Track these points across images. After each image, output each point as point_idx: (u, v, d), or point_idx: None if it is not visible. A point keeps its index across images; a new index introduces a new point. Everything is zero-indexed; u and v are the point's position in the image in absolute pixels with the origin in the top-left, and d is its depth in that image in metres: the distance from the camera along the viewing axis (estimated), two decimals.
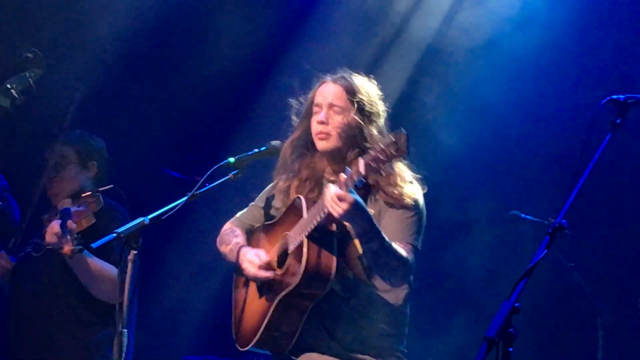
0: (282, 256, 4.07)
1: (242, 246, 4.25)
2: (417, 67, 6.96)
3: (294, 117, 4.31)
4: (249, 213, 4.44)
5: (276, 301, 3.97)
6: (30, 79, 5.17)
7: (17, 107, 5.12)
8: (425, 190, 4.07)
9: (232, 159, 4.16)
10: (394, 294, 4.06)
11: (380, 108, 4.15)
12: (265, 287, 4.11)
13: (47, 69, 5.11)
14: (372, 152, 3.64)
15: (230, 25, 7.08)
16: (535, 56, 6.75)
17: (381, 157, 3.60)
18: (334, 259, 3.89)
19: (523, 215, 6.24)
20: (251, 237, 4.36)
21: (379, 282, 3.99)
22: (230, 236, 4.35)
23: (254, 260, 4.08)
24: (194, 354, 6.69)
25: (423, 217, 4.08)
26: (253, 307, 4.19)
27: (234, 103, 7.34)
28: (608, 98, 3.46)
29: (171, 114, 7.15)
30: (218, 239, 4.43)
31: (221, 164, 4.13)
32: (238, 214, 4.47)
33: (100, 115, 6.56)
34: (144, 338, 5.55)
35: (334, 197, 3.71)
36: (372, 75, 4.25)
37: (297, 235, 3.96)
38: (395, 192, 4.00)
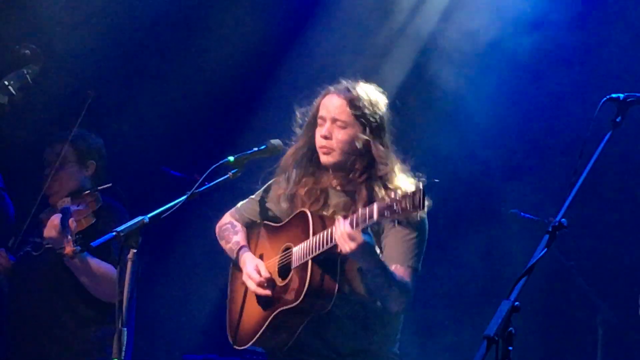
0: (284, 269, 4.09)
1: (242, 247, 4.26)
2: (416, 65, 6.96)
3: (297, 129, 4.29)
4: (249, 207, 4.42)
5: (275, 313, 4.00)
6: (28, 76, 5.17)
7: (16, 104, 5.12)
8: (430, 207, 3.97)
9: (231, 158, 4.15)
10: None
11: (386, 119, 4.11)
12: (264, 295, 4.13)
13: (45, 66, 5.11)
14: (387, 201, 3.61)
15: (231, 23, 7.09)
16: (536, 55, 6.75)
17: (395, 208, 3.57)
18: (337, 281, 3.91)
19: (522, 213, 6.24)
20: (251, 232, 4.36)
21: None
22: (231, 232, 4.36)
23: (254, 276, 4.08)
24: (194, 353, 6.70)
25: (426, 236, 4.07)
26: (251, 309, 4.20)
27: (234, 102, 7.33)
28: (608, 97, 3.46)
29: (170, 113, 7.15)
30: (217, 231, 4.44)
31: (221, 162, 4.11)
32: (239, 205, 4.46)
33: (99, 114, 6.55)
34: (144, 337, 5.55)
35: (344, 235, 3.72)
36: (375, 83, 4.23)
37: (302, 253, 3.96)
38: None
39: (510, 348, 2.82)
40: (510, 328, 2.83)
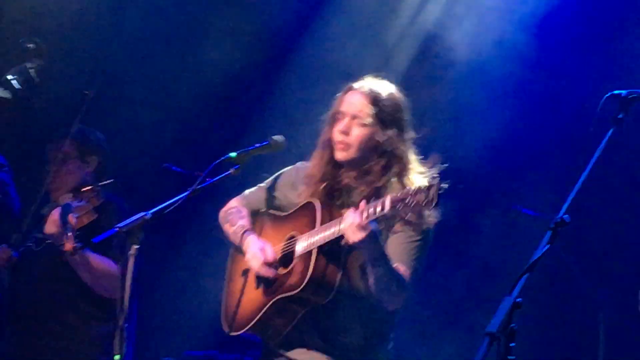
0: (286, 255, 4.08)
1: (247, 230, 4.25)
2: (419, 62, 6.96)
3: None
4: (257, 195, 4.41)
5: (274, 300, 4.00)
6: (31, 70, 5.16)
7: (20, 98, 5.11)
8: (439, 219, 4.00)
9: (233, 154, 4.14)
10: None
11: (406, 118, 4.11)
12: (264, 280, 4.12)
13: (49, 61, 5.10)
14: (401, 194, 3.63)
15: (234, 19, 7.09)
16: (539, 51, 6.75)
17: (408, 201, 3.59)
18: (339, 273, 3.92)
19: (524, 210, 6.24)
20: (255, 220, 4.36)
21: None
22: (236, 216, 4.35)
23: (258, 255, 4.08)
24: (195, 349, 6.70)
25: (429, 244, 4.07)
26: (249, 295, 4.20)
27: (237, 98, 7.33)
28: (610, 93, 3.46)
29: (172, 109, 7.15)
30: (222, 215, 4.42)
31: (222, 158, 4.10)
32: (246, 192, 4.46)
33: (100, 109, 6.55)
34: (146, 333, 5.55)
35: (354, 226, 3.73)
36: (400, 85, 4.22)
37: (306, 242, 3.97)
38: (417, 215, 3.94)
39: (513, 344, 2.83)
40: (513, 324, 2.83)
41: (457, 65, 6.85)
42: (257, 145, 4.23)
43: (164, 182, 6.27)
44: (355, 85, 4.15)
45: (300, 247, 4.00)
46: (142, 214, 3.82)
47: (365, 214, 3.74)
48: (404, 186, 3.93)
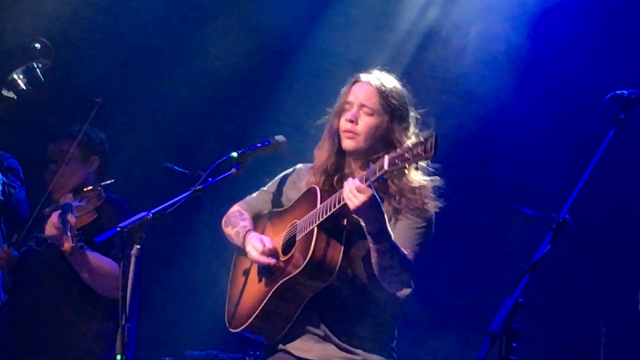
0: (288, 243, 4.08)
1: (249, 230, 4.24)
2: (417, 56, 6.97)
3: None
4: (259, 198, 4.43)
5: (275, 287, 3.98)
6: (38, 70, 5.16)
7: (26, 98, 5.11)
8: (442, 206, 4.04)
9: (235, 154, 4.14)
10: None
11: (411, 112, 4.12)
12: (266, 272, 4.12)
13: (55, 61, 5.11)
14: (399, 150, 3.63)
15: (237, 19, 7.09)
16: (541, 51, 6.75)
17: (407, 155, 3.58)
18: (341, 253, 3.90)
19: (526, 210, 6.24)
20: (257, 222, 4.35)
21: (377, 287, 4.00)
22: (238, 219, 4.34)
23: (257, 245, 4.08)
24: (197, 349, 6.70)
25: (431, 234, 4.07)
26: (251, 290, 4.20)
27: (238, 98, 7.34)
28: (612, 94, 3.46)
29: (174, 109, 7.16)
30: (224, 220, 4.41)
31: (224, 158, 4.11)
32: (247, 198, 4.46)
33: (103, 109, 6.56)
34: (148, 332, 5.55)
35: (353, 189, 3.72)
36: (404, 81, 4.24)
37: (307, 223, 3.96)
38: (418, 201, 3.99)
39: (514, 344, 2.83)
40: (514, 324, 2.83)
41: (461, 66, 6.85)
42: (259, 145, 4.23)
43: (166, 182, 6.28)
44: (363, 77, 4.17)
45: (301, 228, 4.00)
46: (143, 213, 3.83)
47: (364, 178, 3.74)
48: (409, 185, 3.98)
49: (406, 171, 3.91)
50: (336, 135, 4.14)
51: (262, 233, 4.25)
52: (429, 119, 4.10)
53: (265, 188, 4.43)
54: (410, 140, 3.67)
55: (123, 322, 3.73)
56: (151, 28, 7.02)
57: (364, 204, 3.71)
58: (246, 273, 4.29)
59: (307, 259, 3.86)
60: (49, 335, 4.92)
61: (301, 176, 4.30)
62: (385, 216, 3.84)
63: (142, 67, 7.10)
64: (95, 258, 4.79)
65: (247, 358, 6.43)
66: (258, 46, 7.18)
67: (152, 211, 3.84)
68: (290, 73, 7.09)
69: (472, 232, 7.06)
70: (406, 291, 4.10)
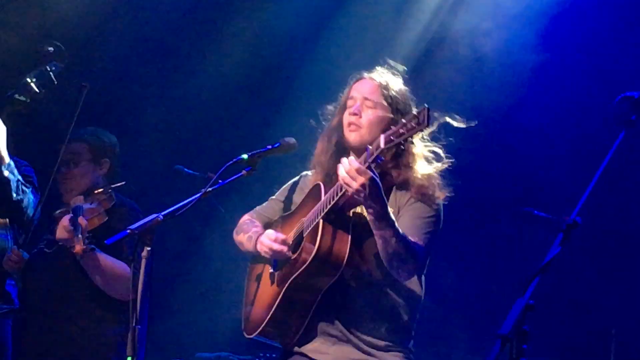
0: (297, 241, 4.08)
1: (261, 234, 4.24)
2: (426, 57, 6.97)
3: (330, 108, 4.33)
4: (268, 207, 4.46)
5: (286, 286, 3.98)
6: (51, 73, 5.18)
7: (38, 101, 5.13)
8: (450, 193, 4.06)
9: (245, 156, 4.14)
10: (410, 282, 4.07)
11: (414, 109, 4.12)
12: (277, 274, 4.13)
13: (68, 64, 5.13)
14: (393, 128, 3.63)
15: (245, 22, 7.09)
16: (551, 53, 6.75)
17: (402, 130, 3.58)
18: (348, 244, 3.90)
19: (536, 212, 6.23)
20: (269, 228, 4.36)
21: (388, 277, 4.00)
22: (250, 225, 4.36)
23: (270, 235, 4.10)
24: (207, 351, 6.71)
25: (440, 224, 4.08)
26: (264, 294, 4.20)
27: (248, 100, 7.34)
28: (622, 95, 3.45)
29: (184, 111, 7.17)
30: (235, 229, 4.43)
31: (234, 160, 4.11)
32: (257, 208, 4.49)
33: (113, 112, 6.58)
34: (158, 335, 5.56)
35: (352, 171, 3.69)
36: (406, 76, 4.26)
37: (313, 218, 3.98)
38: (425, 190, 4.00)
39: (525, 346, 2.82)
40: (525, 326, 2.83)
41: (467, 67, 6.85)
42: (269, 147, 4.24)
43: (176, 183, 6.29)
44: (366, 74, 4.21)
45: (308, 224, 4.01)
46: (154, 215, 3.83)
47: (363, 157, 3.73)
48: (415, 175, 4.00)
49: (413, 163, 3.96)
50: (339, 131, 4.16)
51: None
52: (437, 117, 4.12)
53: (274, 197, 4.46)
54: (405, 116, 3.67)
55: (133, 324, 3.73)
56: (162, 31, 7.03)
57: (364, 185, 3.69)
58: (258, 279, 4.30)
59: (314, 251, 3.86)
60: (59, 337, 4.92)
61: (307, 182, 4.31)
62: (387, 201, 3.83)
63: (153, 70, 7.12)
64: (106, 260, 4.80)
65: None
66: (269, 49, 7.20)
67: (163, 213, 3.85)
68: (301, 75, 7.10)
69: (483, 234, 7.05)
70: (420, 291, 4.12)
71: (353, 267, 3.97)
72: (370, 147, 3.70)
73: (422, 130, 3.58)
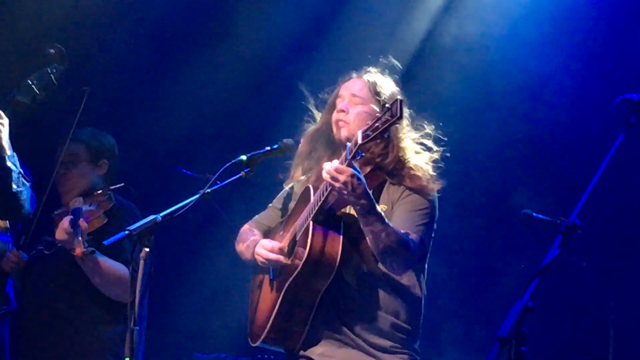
0: (291, 245, 4.09)
1: (259, 241, 4.25)
2: (426, 58, 6.97)
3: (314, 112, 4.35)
4: (266, 215, 4.47)
5: (284, 290, 3.97)
6: (52, 75, 5.18)
7: (39, 103, 5.13)
8: (443, 185, 4.08)
9: (244, 157, 4.15)
10: (407, 277, 4.06)
11: (405, 108, 4.13)
12: (276, 280, 4.12)
13: (68, 65, 5.13)
14: (369, 122, 3.66)
15: (243, 25, 7.09)
16: (551, 55, 6.75)
17: (377, 124, 3.62)
18: (340, 243, 3.90)
19: (535, 214, 6.22)
20: (268, 237, 4.35)
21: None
22: (249, 235, 4.37)
23: (265, 245, 4.11)
24: (206, 352, 6.71)
25: (435, 216, 4.09)
26: (265, 302, 4.19)
27: (246, 101, 7.34)
28: (622, 97, 3.45)
29: (183, 112, 7.17)
30: (236, 239, 4.44)
31: (233, 161, 4.12)
32: (256, 216, 4.50)
33: (111, 113, 6.57)
34: (156, 336, 5.56)
35: (332, 172, 3.73)
36: (396, 76, 4.26)
37: (303, 220, 3.99)
38: (417, 183, 4.02)
39: (523, 348, 2.82)
40: (523, 328, 2.83)
41: (468, 69, 6.85)
42: (268, 148, 4.24)
43: (175, 185, 6.29)
44: (354, 73, 4.25)
45: (299, 228, 4.02)
46: (152, 217, 3.82)
47: (342, 156, 3.76)
48: (406, 168, 4.02)
49: (404, 157, 4.00)
50: (328, 130, 4.18)
51: None
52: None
53: (271, 205, 4.47)
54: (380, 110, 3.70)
55: (132, 325, 3.73)
56: (161, 33, 7.03)
57: (346, 183, 3.71)
58: (260, 287, 4.30)
59: (306, 253, 3.86)
60: (58, 339, 4.92)
61: (301, 186, 4.31)
62: (380, 197, 3.88)
63: (151, 71, 7.11)
64: (106, 263, 4.79)
65: None
66: (268, 51, 7.19)
67: (161, 214, 3.84)
68: (300, 77, 7.10)
69: (481, 236, 7.06)
70: (420, 291, 4.11)
71: (353, 267, 3.97)
72: (350, 144, 3.73)
73: (397, 122, 3.61)
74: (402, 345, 4.04)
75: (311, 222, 3.91)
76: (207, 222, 6.81)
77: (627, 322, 6.33)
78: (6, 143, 4.99)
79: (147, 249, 3.76)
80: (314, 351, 4.03)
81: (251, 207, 4.58)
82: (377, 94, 4.12)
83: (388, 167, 4.05)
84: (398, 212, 3.99)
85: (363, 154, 3.76)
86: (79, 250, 4.59)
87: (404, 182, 4.04)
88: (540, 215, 6.20)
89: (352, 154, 3.71)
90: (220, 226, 6.41)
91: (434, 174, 4.09)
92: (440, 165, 4.11)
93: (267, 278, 4.25)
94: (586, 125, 6.45)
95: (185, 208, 3.90)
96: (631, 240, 6.72)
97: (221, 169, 4.05)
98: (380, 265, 3.98)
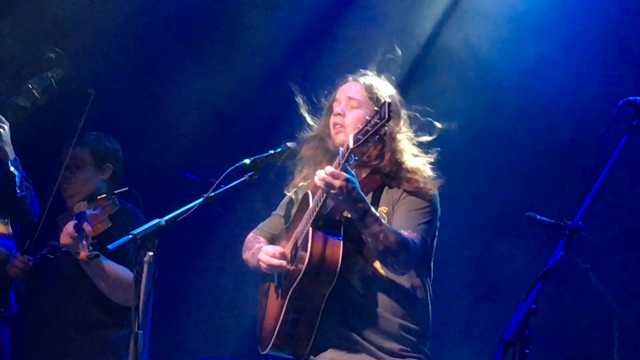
0: (294, 251, 4.10)
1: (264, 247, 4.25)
2: (427, 60, 6.97)
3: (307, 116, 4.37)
4: (270, 222, 4.48)
5: (288, 297, 3.97)
6: (52, 79, 5.20)
7: (39, 107, 5.14)
8: (441, 183, 4.09)
9: (247, 161, 4.15)
10: (413, 279, 4.06)
11: (403, 111, 4.17)
12: (281, 287, 4.13)
13: (68, 69, 5.14)
14: (360, 126, 3.69)
15: (247, 28, 7.10)
16: (553, 57, 6.74)
17: (367, 128, 3.64)
18: (340, 248, 3.91)
19: (539, 216, 6.22)
20: (272, 244, 4.36)
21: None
22: (254, 242, 4.38)
23: (268, 251, 4.11)
24: (209, 356, 6.70)
25: (435, 214, 4.09)
26: (272, 309, 4.20)
27: (250, 105, 7.34)
28: (625, 100, 3.45)
29: (187, 116, 7.17)
30: (243, 248, 4.45)
31: (237, 165, 4.12)
32: (260, 224, 4.51)
33: (115, 117, 6.58)
34: (161, 340, 5.56)
35: (326, 177, 3.74)
36: (393, 78, 4.27)
37: (303, 227, 4.00)
38: (416, 183, 4.02)
39: (527, 351, 2.82)
40: (527, 331, 2.83)
41: (469, 71, 6.85)
42: (271, 151, 4.25)
43: (179, 188, 6.29)
44: (351, 77, 4.26)
45: (300, 234, 4.03)
46: (156, 220, 3.83)
47: (336, 161, 3.78)
48: (403, 171, 4.03)
49: (401, 159, 4.01)
50: (325, 135, 4.19)
51: None
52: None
53: (275, 212, 4.49)
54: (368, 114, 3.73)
55: (136, 329, 3.73)
56: (164, 35, 7.04)
57: (341, 188, 3.73)
58: (267, 295, 4.31)
59: (307, 259, 3.87)
60: (62, 342, 4.93)
61: (302, 192, 4.31)
62: (379, 199, 3.92)
63: (156, 74, 7.12)
64: (110, 267, 4.80)
65: None
66: (272, 54, 7.19)
67: (165, 218, 3.85)
68: (303, 81, 7.10)
69: (485, 238, 7.05)
70: (426, 293, 4.11)
71: (358, 271, 3.98)
72: (342, 148, 3.77)
73: (385, 125, 3.63)
74: (412, 349, 4.04)
75: (310, 228, 3.91)
76: (211, 225, 6.80)
77: (632, 325, 6.32)
78: (8, 147, 5.00)
79: (151, 253, 3.77)
80: (323, 357, 4.04)
81: (254, 210, 4.58)
82: (375, 97, 4.12)
83: (385, 170, 4.06)
84: (398, 213, 4.00)
85: (356, 158, 3.80)
86: (83, 254, 4.60)
87: (401, 184, 4.05)
88: (544, 218, 6.19)
89: (344, 158, 3.74)
90: (223, 230, 6.41)
91: (432, 174, 4.09)
92: (435, 164, 4.11)
93: (273, 285, 4.25)
94: (590, 128, 6.44)
95: (189, 212, 3.91)
96: (635, 242, 6.71)
97: (225, 173, 4.05)
98: (384, 270, 3.98)
